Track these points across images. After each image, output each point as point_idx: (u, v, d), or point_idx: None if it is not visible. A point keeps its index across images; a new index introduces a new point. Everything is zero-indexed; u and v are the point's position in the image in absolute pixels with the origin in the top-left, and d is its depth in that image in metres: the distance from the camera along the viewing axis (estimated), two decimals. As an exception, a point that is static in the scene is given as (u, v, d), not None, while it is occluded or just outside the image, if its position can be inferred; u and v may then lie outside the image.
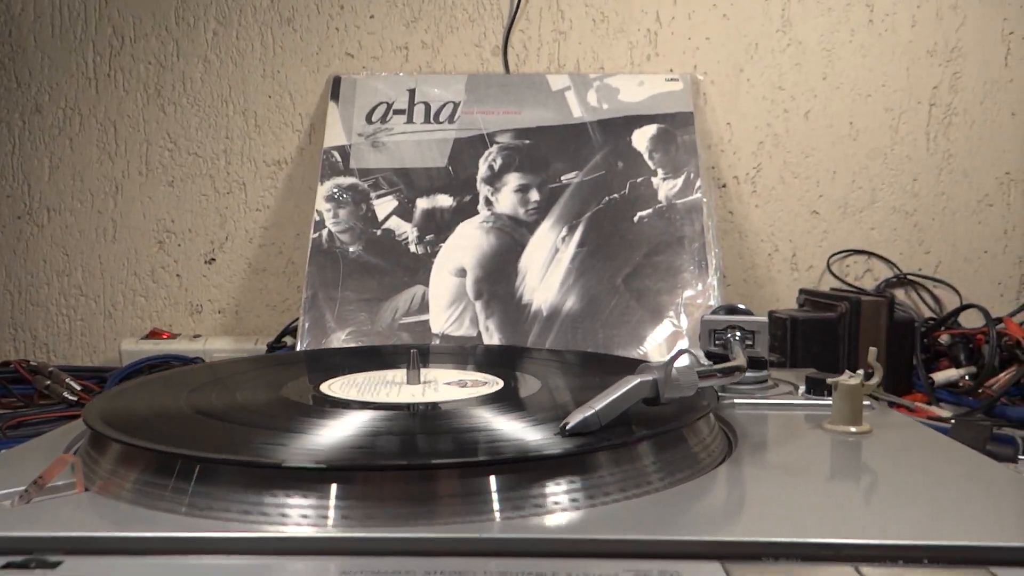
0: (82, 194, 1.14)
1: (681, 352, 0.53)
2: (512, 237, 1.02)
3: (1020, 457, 0.67)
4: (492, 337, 0.96)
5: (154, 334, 1.10)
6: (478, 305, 0.98)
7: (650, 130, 1.07)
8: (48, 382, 0.99)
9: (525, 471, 0.45)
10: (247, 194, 1.14)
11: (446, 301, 0.98)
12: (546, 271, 1.00)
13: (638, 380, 0.51)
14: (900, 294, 1.13)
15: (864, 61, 1.12)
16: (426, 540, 0.40)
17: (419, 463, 0.46)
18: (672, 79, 1.11)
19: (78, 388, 0.98)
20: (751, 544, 0.40)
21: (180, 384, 0.63)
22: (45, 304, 1.15)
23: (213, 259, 1.14)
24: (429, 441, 0.51)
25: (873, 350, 0.63)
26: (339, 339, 0.95)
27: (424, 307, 0.98)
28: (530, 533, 0.41)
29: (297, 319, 1.08)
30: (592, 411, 0.49)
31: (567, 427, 0.48)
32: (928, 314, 1.12)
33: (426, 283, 0.99)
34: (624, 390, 0.50)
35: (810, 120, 1.13)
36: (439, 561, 0.39)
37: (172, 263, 1.15)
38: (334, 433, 0.51)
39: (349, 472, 0.44)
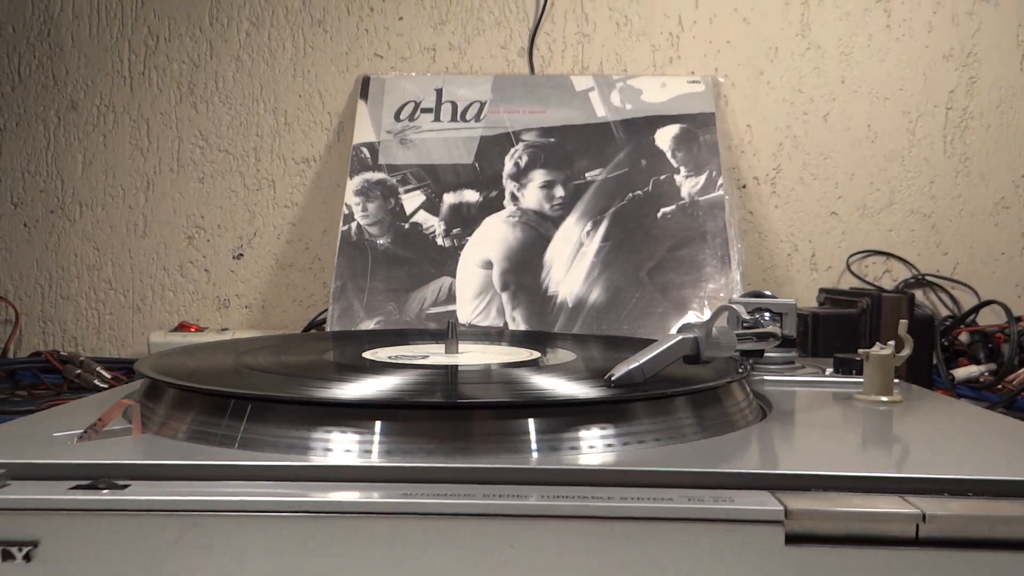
0: (114, 189, 1.17)
1: (724, 308, 0.55)
2: (537, 231, 1.04)
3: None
4: (519, 327, 0.97)
5: (182, 327, 1.12)
6: (504, 296, 1.00)
7: (673, 130, 1.09)
8: (79, 371, 1.00)
9: (567, 415, 0.46)
10: (276, 191, 1.16)
11: (473, 292, 1.00)
12: (571, 264, 1.01)
13: (680, 337, 0.53)
14: (919, 295, 1.14)
15: (882, 65, 1.14)
16: (470, 469, 0.41)
17: (465, 402, 0.47)
18: (694, 81, 1.13)
19: (108, 377, 0.99)
20: (800, 476, 0.41)
21: (225, 350, 0.65)
22: (75, 298, 1.17)
23: (241, 255, 1.16)
24: (473, 389, 0.52)
25: (904, 322, 0.64)
26: (368, 327, 0.96)
27: (451, 298, 0.99)
28: (577, 465, 0.43)
29: (323, 312, 1.10)
30: (637, 364, 0.50)
31: (612, 378, 0.50)
32: (946, 314, 1.13)
33: (453, 274, 1.01)
34: (667, 345, 0.52)
35: (829, 122, 1.15)
36: (484, 488, 0.40)
37: (201, 258, 1.17)
38: (381, 383, 0.52)
39: (397, 410, 0.45)
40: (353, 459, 0.43)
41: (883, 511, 0.38)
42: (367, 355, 0.63)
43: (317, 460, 0.43)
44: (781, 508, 0.38)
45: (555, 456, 0.44)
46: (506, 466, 0.42)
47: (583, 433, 0.46)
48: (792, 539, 0.38)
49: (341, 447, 0.44)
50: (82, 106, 1.16)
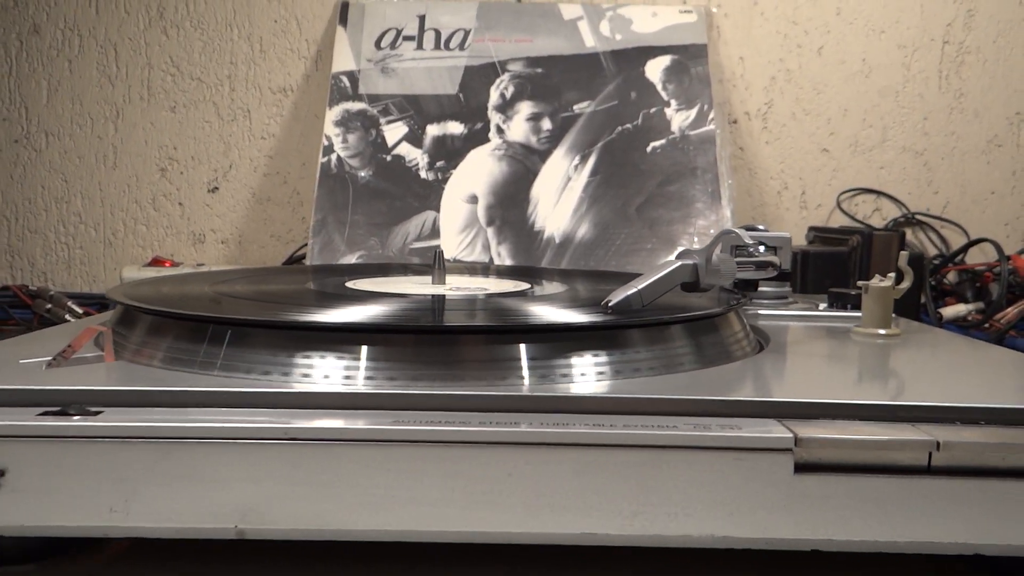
0: (81, 118, 1.12)
1: (725, 233, 0.53)
2: (524, 165, 1.01)
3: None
4: (504, 262, 0.95)
5: (156, 262, 1.08)
6: (490, 231, 0.97)
7: (663, 61, 1.06)
8: (49, 306, 0.97)
9: (561, 341, 0.44)
10: (252, 121, 1.12)
11: (457, 227, 0.97)
12: (558, 199, 0.99)
13: (680, 263, 0.51)
14: (908, 233, 1.12)
15: (879, -3, 1.11)
16: (461, 397, 0.39)
17: (455, 326, 0.45)
18: (686, 11, 1.09)
19: (80, 312, 0.96)
20: (808, 405, 0.39)
21: (200, 280, 0.62)
22: (43, 231, 1.13)
23: (216, 188, 1.12)
24: (462, 316, 0.50)
25: (904, 253, 0.63)
26: (350, 262, 0.93)
27: (435, 232, 0.97)
28: (576, 393, 0.41)
29: (302, 247, 1.07)
30: (635, 290, 0.48)
31: (609, 304, 0.48)
32: (934, 253, 1.12)
33: (437, 209, 0.98)
34: (666, 271, 0.50)
35: (823, 56, 1.12)
36: (479, 415, 0.38)
37: (174, 191, 1.12)
38: (367, 310, 0.49)
39: (384, 335, 0.43)
40: (338, 385, 0.41)
41: (896, 439, 0.36)
42: (350, 284, 0.60)
43: (301, 387, 0.41)
44: (791, 436, 0.36)
45: (547, 384, 0.42)
46: (503, 393, 0.40)
47: (575, 360, 0.44)
48: (801, 468, 0.36)
49: (325, 373, 0.42)
50: (45, 30, 1.11)
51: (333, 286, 0.60)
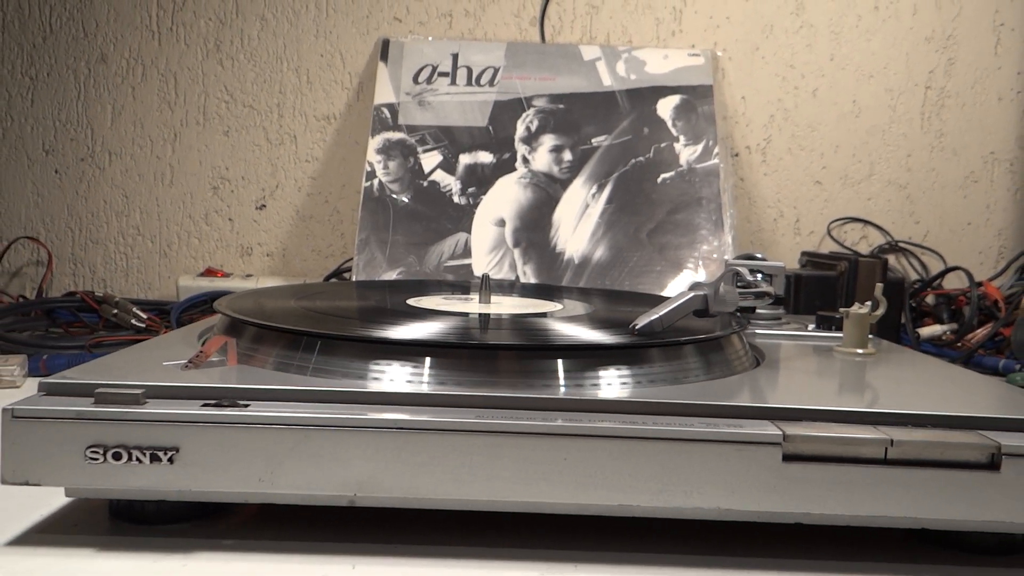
0: (142, 140, 1.23)
1: (729, 269, 0.64)
2: (547, 192, 1.12)
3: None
4: (530, 280, 1.06)
5: (209, 272, 1.19)
6: (516, 252, 1.08)
7: (673, 100, 1.17)
8: (115, 311, 1.07)
9: (600, 356, 0.55)
10: (297, 146, 1.23)
11: (487, 247, 1.08)
12: (578, 224, 1.10)
13: (693, 294, 0.62)
14: (892, 259, 1.24)
15: (868, 44, 1.23)
16: (521, 399, 0.50)
17: (521, 344, 0.56)
18: (694, 54, 1.21)
19: (145, 316, 1.07)
20: (795, 410, 0.50)
21: (284, 295, 0.73)
22: (104, 242, 1.24)
23: (264, 205, 1.23)
24: (515, 335, 0.61)
25: (880, 285, 0.74)
26: (391, 277, 1.04)
27: (467, 252, 1.08)
28: (618, 397, 0.52)
29: (346, 261, 1.18)
30: (657, 315, 0.59)
31: (636, 327, 0.59)
32: (915, 278, 1.24)
33: (468, 231, 1.09)
34: (683, 300, 0.61)
35: (817, 97, 1.23)
36: (539, 412, 0.48)
37: (225, 208, 1.23)
38: (431, 326, 0.60)
39: (459, 349, 0.54)
40: (422, 387, 0.52)
41: (860, 436, 0.48)
42: (412, 303, 0.71)
43: (394, 388, 0.51)
44: (780, 433, 0.47)
45: (588, 389, 0.53)
46: (554, 396, 0.51)
47: (609, 372, 0.55)
48: (788, 458, 0.47)
49: (407, 377, 0.52)
50: (111, 59, 1.22)
51: (398, 303, 0.71)
